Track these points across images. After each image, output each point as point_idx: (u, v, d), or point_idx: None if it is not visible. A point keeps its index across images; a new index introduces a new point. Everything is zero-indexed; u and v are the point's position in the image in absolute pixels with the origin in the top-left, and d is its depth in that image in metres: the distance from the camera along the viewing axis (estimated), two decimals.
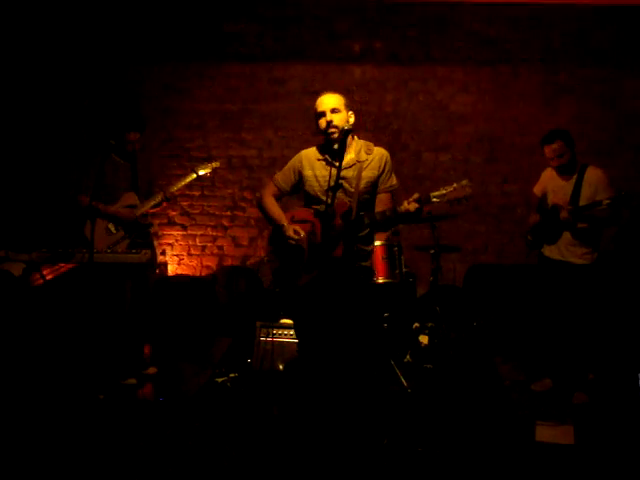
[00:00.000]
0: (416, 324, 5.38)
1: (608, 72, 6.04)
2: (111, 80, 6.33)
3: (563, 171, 4.35)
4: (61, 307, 4.30)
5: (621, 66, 6.02)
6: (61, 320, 4.31)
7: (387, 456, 3.55)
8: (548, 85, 6.13)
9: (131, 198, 4.63)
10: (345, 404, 3.53)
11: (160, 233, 6.50)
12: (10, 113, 6.21)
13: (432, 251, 5.18)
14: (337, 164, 3.32)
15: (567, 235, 4.32)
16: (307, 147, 3.64)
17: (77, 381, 4.23)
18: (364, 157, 3.49)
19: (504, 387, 4.67)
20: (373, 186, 3.50)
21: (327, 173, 3.44)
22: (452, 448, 3.66)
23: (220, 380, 4.67)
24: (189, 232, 6.58)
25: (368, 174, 3.47)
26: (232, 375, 4.73)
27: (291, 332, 4.66)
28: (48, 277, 4.13)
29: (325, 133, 3.44)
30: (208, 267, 6.58)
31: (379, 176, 3.49)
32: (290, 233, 3.45)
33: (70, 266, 4.22)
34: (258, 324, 4.84)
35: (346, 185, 3.44)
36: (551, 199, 4.42)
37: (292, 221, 3.55)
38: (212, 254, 6.59)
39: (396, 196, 3.59)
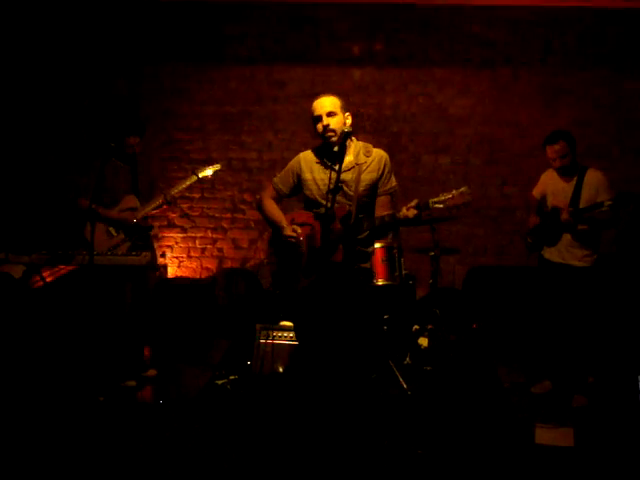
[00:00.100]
0: (416, 326, 5.38)
1: (608, 75, 6.05)
2: (111, 82, 6.34)
3: (564, 172, 4.36)
4: (61, 309, 4.31)
5: (621, 69, 6.03)
6: (61, 322, 4.32)
7: (387, 458, 3.55)
8: (548, 88, 6.14)
9: (131, 201, 4.64)
10: (345, 406, 3.53)
11: (160, 235, 6.51)
12: (10, 116, 6.21)
13: (432, 253, 5.18)
14: (336, 167, 3.32)
15: (567, 237, 4.32)
16: (307, 149, 3.64)
17: (77, 383, 4.24)
18: (363, 160, 3.48)
19: (504, 389, 4.67)
20: (372, 189, 3.49)
21: (326, 176, 3.44)
22: (452, 450, 3.66)
23: (220, 382, 4.67)
24: (189, 234, 6.59)
25: (367, 177, 3.46)
26: (232, 377, 4.73)
27: (291, 334, 4.66)
28: (48, 279, 4.14)
29: (323, 137, 3.43)
30: (208, 269, 6.58)
31: (378, 179, 3.48)
32: (289, 232, 3.45)
33: (70, 268, 4.24)
34: (258, 326, 4.83)
35: (345, 188, 3.43)
36: (551, 201, 4.43)
37: (292, 223, 3.55)
38: (212, 256, 6.59)
39: (395, 197, 3.59)
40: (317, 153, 3.56)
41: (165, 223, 6.54)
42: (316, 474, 3.37)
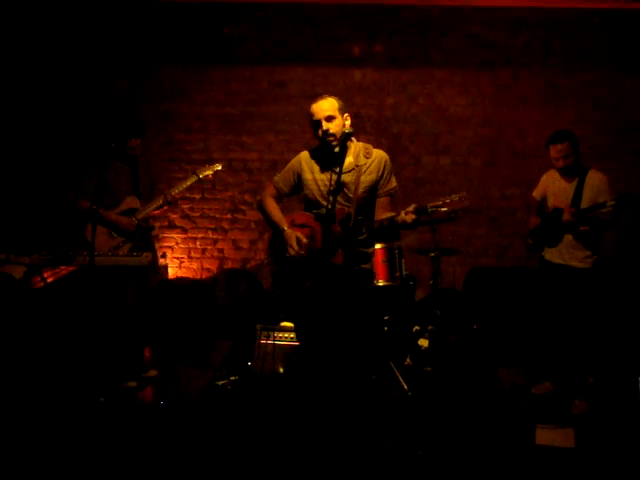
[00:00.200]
0: (416, 327, 5.38)
1: (608, 76, 6.05)
2: (111, 83, 6.34)
3: (567, 173, 4.35)
4: (62, 310, 4.31)
5: (620, 70, 6.03)
6: (62, 323, 4.31)
7: (387, 459, 3.55)
8: (548, 88, 6.14)
9: (132, 202, 4.64)
10: (345, 407, 3.53)
11: (161, 236, 6.51)
12: (12, 117, 6.21)
13: (432, 254, 5.18)
14: (337, 169, 3.32)
15: (569, 238, 4.32)
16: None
17: (78, 384, 4.24)
18: (363, 161, 3.48)
19: (504, 390, 4.67)
20: (372, 190, 3.49)
21: (326, 177, 3.45)
22: (452, 451, 3.66)
23: (220, 383, 4.67)
24: (190, 235, 6.59)
25: (367, 178, 3.46)
26: (232, 378, 4.73)
27: (292, 335, 4.66)
28: (49, 280, 4.13)
29: (323, 142, 3.43)
30: (208, 270, 6.58)
31: (378, 180, 3.49)
32: (292, 242, 3.45)
33: (71, 269, 4.23)
34: (258, 327, 4.84)
35: (345, 190, 3.44)
36: (551, 202, 4.43)
37: (292, 225, 3.56)
38: (212, 257, 6.59)
39: (396, 198, 3.59)
40: (318, 153, 3.57)
41: (166, 224, 6.54)
42: (317, 475, 3.37)
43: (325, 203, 3.39)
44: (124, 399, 4.40)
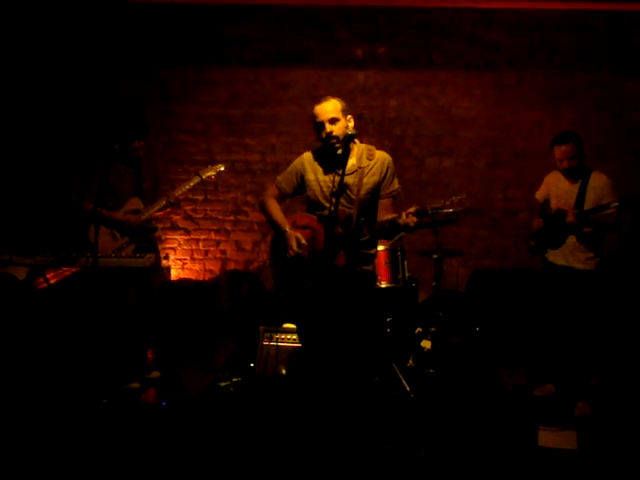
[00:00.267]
0: (419, 329, 5.38)
1: (610, 77, 6.04)
2: (115, 85, 6.34)
3: (570, 174, 4.35)
4: (65, 311, 4.32)
5: (622, 71, 6.02)
6: (65, 324, 4.32)
7: (390, 461, 3.55)
8: (551, 90, 6.14)
9: (136, 203, 4.64)
10: (348, 409, 3.53)
11: (163, 237, 6.52)
12: (15, 119, 6.22)
13: (435, 256, 5.18)
14: (339, 170, 3.32)
15: (572, 240, 4.32)
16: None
17: (80, 385, 4.24)
18: (365, 163, 3.48)
19: (507, 392, 4.67)
20: (374, 192, 3.49)
21: (329, 178, 3.45)
22: (455, 453, 3.66)
23: (223, 384, 4.67)
24: (192, 236, 6.60)
25: (369, 180, 3.46)
26: (235, 379, 4.73)
27: (294, 336, 4.66)
28: (52, 281, 4.15)
29: (327, 144, 3.43)
30: (211, 271, 6.59)
31: (381, 181, 3.49)
32: (292, 243, 3.46)
33: (74, 270, 4.24)
34: (261, 328, 4.85)
35: (348, 191, 3.44)
36: (554, 204, 4.42)
37: (293, 226, 3.55)
38: (215, 258, 6.60)
39: (398, 200, 3.59)
40: (321, 154, 3.56)
41: (168, 225, 6.55)
42: (319, 476, 3.37)
43: (327, 205, 3.40)
44: (127, 400, 4.39)
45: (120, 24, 6.26)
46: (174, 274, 6.56)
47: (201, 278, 6.57)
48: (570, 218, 4.19)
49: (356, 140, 3.52)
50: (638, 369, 4.68)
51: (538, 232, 4.53)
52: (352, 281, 3.48)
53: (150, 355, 5.13)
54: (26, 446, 3.57)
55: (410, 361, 5.10)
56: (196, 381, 4.77)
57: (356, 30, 6.21)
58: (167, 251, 6.54)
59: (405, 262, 5.00)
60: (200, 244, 6.60)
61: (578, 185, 4.32)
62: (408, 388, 4.52)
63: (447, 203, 3.31)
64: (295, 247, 3.43)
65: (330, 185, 3.42)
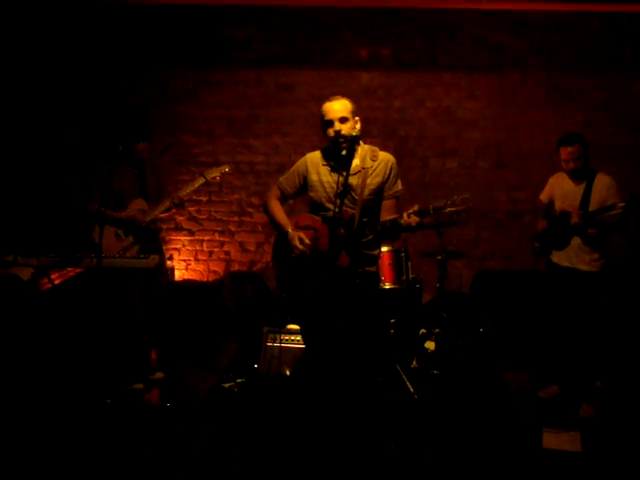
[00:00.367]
0: (423, 330, 5.38)
1: (614, 77, 6.04)
2: (118, 87, 6.35)
3: (576, 175, 4.34)
4: (69, 312, 4.32)
5: (626, 72, 6.01)
6: (69, 325, 4.32)
7: (394, 462, 3.54)
8: (555, 91, 6.13)
9: (140, 204, 4.65)
10: (352, 410, 3.53)
11: (167, 238, 6.53)
12: (19, 121, 6.24)
13: (439, 257, 5.18)
14: (344, 172, 3.31)
15: (577, 241, 4.31)
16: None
17: (84, 385, 4.25)
18: (369, 164, 3.47)
19: (511, 394, 4.66)
20: (378, 192, 3.48)
21: (332, 179, 3.44)
22: (459, 454, 3.65)
23: (227, 385, 4.68)
24: (196, 237, 6.60)
25: (373, 181, 3.46)
26: (239, 380, 4.74)
27: (298, 337, 4.66)
28: (56, 282, 4.15)
29: (334, 143, 3.42)
30: (215, 272, 6.59)
31: (384, 182, 3.48)
32: (295, 242, 3.45)
33: (78, 271, 4.25)
34: (265, 329, 4.85)
35: (351, 192, 3.43)
36: (559, 205, 4.41)
37: (296, 227, 3.54)
38: (219, 259, 6.60)
39: (401, 201, 3.59)
40: (324, 155, 3.56)
41: (172, 226, 6.56)
42: (323, 477, 3.37)
43: (330, 206, 3.39)
44: (131, 401, 4.41)
45: (123, 26, 6.27)
46: (178, 275, 6.57)
47: (205, 279, 6.58)
48: (575, 219, 4.18)
49: (360, 142, 3.51)
50: None
51: (543, 233, 4.52)
52: (354, 282, 3.47)
53: (154, 356, 5.14)
54: (31, 446, 3.58)
55: (414, 362, 5.10)
56: (200, 382, 4.78)
57: (360, 32, 6.21)
58: (171, 252, 6.54)
59: (409, 263, 5.00)
60: (204, 245, 6.61)
61: (583, 186, 4.32)
62: (412, 389, 4.52)
63: (449, 202, 3.31)
64: (299, 245, 3.42)
65: (334, 186, 3.41)
